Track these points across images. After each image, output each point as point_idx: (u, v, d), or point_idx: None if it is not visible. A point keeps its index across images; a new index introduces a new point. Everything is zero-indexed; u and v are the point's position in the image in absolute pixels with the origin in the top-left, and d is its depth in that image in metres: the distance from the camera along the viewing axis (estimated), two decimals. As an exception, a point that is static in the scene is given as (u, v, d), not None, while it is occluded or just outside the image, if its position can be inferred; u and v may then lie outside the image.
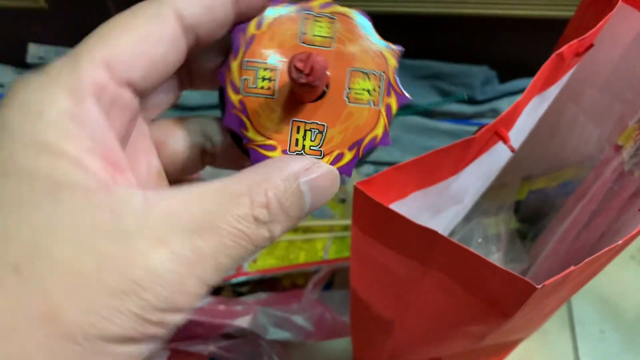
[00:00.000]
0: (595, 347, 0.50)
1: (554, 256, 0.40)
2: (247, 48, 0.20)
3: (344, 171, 0.21)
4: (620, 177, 0.36)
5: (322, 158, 0.21)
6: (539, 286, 0.23)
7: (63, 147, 0.16)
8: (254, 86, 0.20)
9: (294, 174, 0.19)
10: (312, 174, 0.19)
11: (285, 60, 0.20)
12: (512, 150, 0.28)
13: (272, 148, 0.21)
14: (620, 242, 0.24)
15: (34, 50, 0.67)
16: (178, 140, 0.22)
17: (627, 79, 0.37)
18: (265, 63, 0.20)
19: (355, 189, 0.26)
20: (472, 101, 0.64)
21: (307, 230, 0.51)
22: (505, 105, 0.63)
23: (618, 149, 0.37)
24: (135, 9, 0.18)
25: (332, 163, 0.21)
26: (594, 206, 0.38)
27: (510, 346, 0.42)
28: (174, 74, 0.21)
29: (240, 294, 0.51)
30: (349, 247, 0.49)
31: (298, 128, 0.21)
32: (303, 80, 0.18)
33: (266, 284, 0.52)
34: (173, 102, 0.23)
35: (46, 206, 0.15)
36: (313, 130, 0.21)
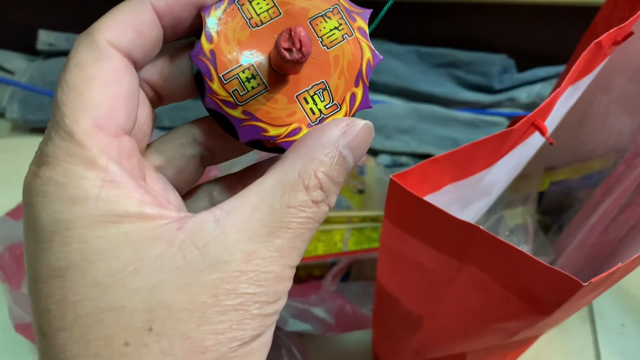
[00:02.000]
0: (616, 340, 0.50)
1: (580, 249, 0.39)
2: (215, 65, 0.20)
3: (365, 106, 0.21)
4: (652, 170, 0.35)
5: (340, 109, 0.21)
6: (586, 284, 0.22)
7: (122, 209, 0.17)
8: (246, 91, 0.20)
9: (333, 143, 0.19)
10: (348, 137, 0.19)
11: (252, 52, 0.20)
12: (551, 142, 0.27)
13: (297, 131, 0.21)
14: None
15: (44, 37, 0.66)
16: (175, 159, 0.22)
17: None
18: (240, 65, 0.20)
19: (391, 182, 0.26)
20: (489, 90, 0.63)
21: (325, 221, 0.50)
22: (523, 95, 0.62)
23: (650, 140, 0.36)
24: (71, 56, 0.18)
25: (351, 107, 0.21)
26: (623, 199, 0.37)
27: (532, 340, 0.42)
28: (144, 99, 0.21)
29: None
30: (368, 239, 0.49)
31: (305, 99, 0.21)
32: (298, 56, 0.18)
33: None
34: (154, 125, 0.23)
35: (158, 269, 0.17)
36: (317, 92, 0.21)
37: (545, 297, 0.24)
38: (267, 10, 0.20)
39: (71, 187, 0.17)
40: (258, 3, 0.20)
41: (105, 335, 0.16)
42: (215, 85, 0.20)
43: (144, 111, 0.21)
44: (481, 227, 0.24)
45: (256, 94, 0.20)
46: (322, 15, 0.21)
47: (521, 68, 0.64)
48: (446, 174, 0.28)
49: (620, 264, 0.23)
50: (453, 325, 0.32)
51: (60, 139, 0.17)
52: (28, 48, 0.67)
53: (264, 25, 0.20)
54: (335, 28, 0.21)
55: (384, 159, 0.60)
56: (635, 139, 0.37)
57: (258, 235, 0.17)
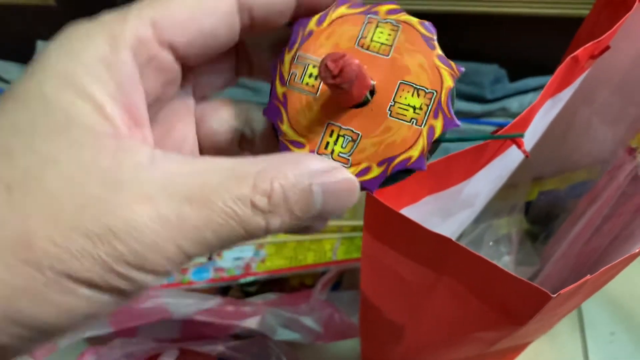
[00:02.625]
0: (606, 349, 0.50)
1: (565, 259, 0.40)
2: (302, 43, 0.20)
3: (368, 186, 0.20)
4: (633, 181, 0.35)
5: (348, 167, 0.20)
6: (554, 295, 0.22)
7: (89, 89, 0.16)
8: (300, 81, 0.20)
9: (309, 172, 0.18)
10: (329, 178, 0.18)
11: None
12: (527, 155, 0.28)
13: (300, 145, 0.20)
14: (638, 250, 0.24)
15: (42, 48, 0.67)
16: (219, 120, 0.22)
17: (641, 81, 0.36)
18: (316, 60, 0.20)
19: (367, 195, 0.26)
20: (481, 100, 0.64)
21: (315, 230, 0.51)
22: (515, 104, 0.63)
23: (631, 151, 0.37)
24: None
25: (358, 175, 0.20)
26: (606, 210, 0.37)
27: (519, 349, 0.42)
28: (231, 58, 0.21)
29: (248, 294, 0.51)
30: (358, 248, 0.49)
31: (332, 131, 0.20)
32: (330, 80, 0.18)
33: (274, 283, 0.52)
34: (227, 85, 0.22)
35: (55, 139, 0.16)
36: (346, 136, 0.20)
37: (518, 308, 0.25)
38: (381, 43, 0.20)
39: (76, 44, 0.17)
40: (382, 32, 0.20)
41: None
42: (288, 57, 0.20)
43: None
44: (464, 241, 0.24)
45: (305, 90, 0.20)
46: (415, 87, 0.19)
47: (513, 78, 0.64)
48: (424, 186, 0.28)
49: (589, 276, 0.23)
50: (435, 334, 0.32)
51: (117, 11, 0.17)
52: (27, 59, 0.68)
53: (366, 52, 0.20)
54: (413, 107, 0.19)
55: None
56: (616, 151, 0.38)
57: (173, 192, 0.16)
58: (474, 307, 0.27)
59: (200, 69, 0.21)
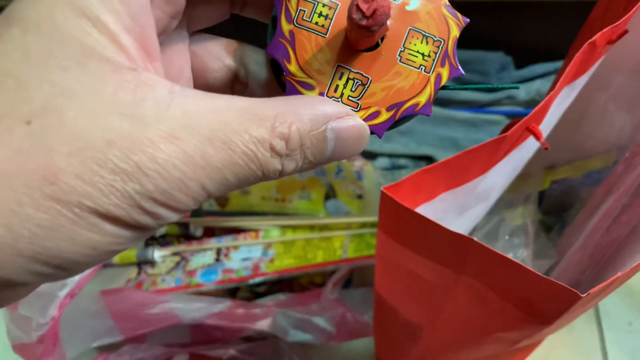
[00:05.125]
0: (623, 339, 0.49)
1: (583, 251, 0.39)
2: None
3: (376, 130, 0.20)
4: (653, 169, 0.34)
5: (357, 111, 0.20)
6: (584, 295, 0.21)
7: (104, 18, 0.16)
8: (309, 20, 0.19)
9: (324, 116, 0.18)
10: (342, 123, 0.18)
11: (346, 0, 0.19)
12: (546, 147, 0.26)
13: (309, 87, 0.20)
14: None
15: None
16: (214, 57, 0.22)
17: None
18: None
19: (382, 194, 0.25)
20: (488, 88, 0.63)
21: (324, 228, 0.50)
22: (522, 92, 0.61)
23: (650, 138, 0.35)
24: None
25: (366, 119, 0.20)
26: (625, 199, 0.36)
27: (536, 344, 0.41)
28: None
29: (257, 294, 0.51)
30: (368, 245, 0.48)
31: (342, 74, 0.20)
32: (363, 22, 0.17)
33: (283, 283, 0.52)
34: (220, 19, 0.22)
35: (72, 70, 0.15)
36: (356, 80, 0.20)
37: (544, 308, 0.24)
38: None
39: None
40: None
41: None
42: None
43: None
44: (478, 235, 0.23)
45: (314, 30, 0.19)
46: (424, 34, 0.19)
47: (519, 65, 0.63)
48: (440, 183, 0.27)
49: (619, 274, 0.22)
50: (453, 335, 0.31)
51: None
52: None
53: None
54: (422, 54, 0.19)
55: (383, 161, 0.60)
56: (635, 137, 0.37)
57: (197, 132, 0.16)
58: (496, 307, 0.26)
59: (197, 0, 0.20)
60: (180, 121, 0.16)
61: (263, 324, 0.43)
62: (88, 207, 0.15)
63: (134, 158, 0.15)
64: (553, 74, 0.61)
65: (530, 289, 0.23)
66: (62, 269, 0.15)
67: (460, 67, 0.20)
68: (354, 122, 0.19)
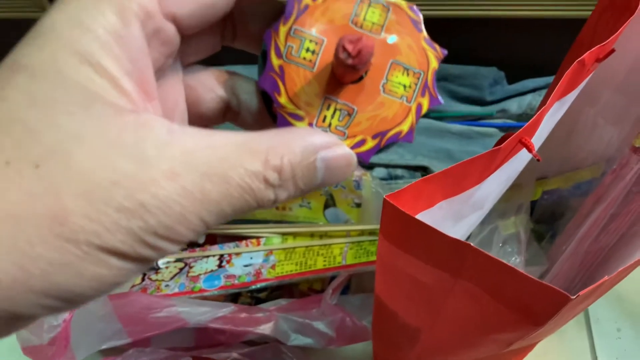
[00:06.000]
0: (612, 344, 0.50)
1: (573, 258, 0.40)
2: (298, 16, 0.20)
3: (363, 157, 0.21)
4: (639, 180, 0.36)
5: (345, 140, 0.21)
6: (574, 297, 0.23)
7: (105, 64, 0.17)
8: (297, 55, 0.21)
9: (314, 147, 0.19)
10: (330, 153, 0.19)
11: (333, 37, 0.21)
12: (538, 159, 0.28)
13: (299, 118, 0.21)
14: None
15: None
16: (207, 88, 0.23)
17: (644, 81, 0.37)
18: (313, 35, 0.20)
19: (385, 202, 0.27)
20: (481, 102, 0.65)
21: (323, 235, 0.51)
22: (514, 106, 0.63)
23: (636, 150, 0.37)
24: None
25: (353, 147, 0.21)
26: (612, 208, 0.38)
27: (529, 348, 0.43)
28: (219, 25, 0.21)
29: (257, 300, 0.52)
30: (366, 252, 0.50)
31: (329, 105, 0.21)
32: (349, 62, 0.18)
33: (283, 288, 0.53)
34: (212, 51, 0.23)
35: (77, 115, 0.16)
36: (342, 110, 0.21)
37: (536, 309, 0.25)
38: (373, 23, 0.21)
39: (86, 16, 0.17)
40: (374, 12, 0.21)
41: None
42: (283, 29, 0.20)
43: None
44: (472, 243, 0.25)
45: (302, 64, 0.20)
46: (405, 67, 0.21)
47: (511, 80, 0.65)
48: (438, 192, 0.29)
49: (606, 277, 0.24)
50: (450, 337, 0.33)
51: None
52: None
53: (359, 30, 0.21)
54: (404, 85, 0.21)
55: (380, 171, 0.61)
56: (622, 149, 0.38)
57: (196, 168, 0.17)
58: (491, 309, 0.28)
59: (190, 35, 0.21)
60: (179, 159, 0.16)
61: (265, 328, 0.44)
62: (95, 245, 0.15)
63: (138, 197, 0.16)
64: (544, 88, 0.63)
65: (524, 292, 0.25)
66: (69, 302, 0.16)
67: (439, 97, 0.21)
68: (341, 151, 0.20)
